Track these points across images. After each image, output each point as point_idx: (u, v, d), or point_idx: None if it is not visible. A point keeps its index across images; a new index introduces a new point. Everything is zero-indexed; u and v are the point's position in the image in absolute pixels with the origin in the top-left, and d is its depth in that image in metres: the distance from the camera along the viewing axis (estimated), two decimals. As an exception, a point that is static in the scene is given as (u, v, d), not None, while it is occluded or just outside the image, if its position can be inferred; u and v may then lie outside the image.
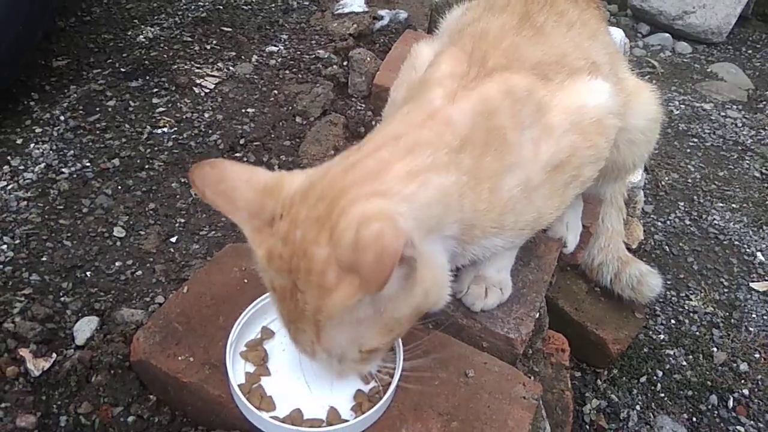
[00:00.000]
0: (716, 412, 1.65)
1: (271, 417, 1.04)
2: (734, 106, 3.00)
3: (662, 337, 1.82)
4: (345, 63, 2.09)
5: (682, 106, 2.98)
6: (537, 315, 1.34)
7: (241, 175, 0.86)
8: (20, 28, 1.60)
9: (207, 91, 1.90)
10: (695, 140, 2.71)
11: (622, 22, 3.83)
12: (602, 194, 1.58)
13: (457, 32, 1.12)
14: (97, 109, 1.77)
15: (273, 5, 2.36)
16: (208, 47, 2.09)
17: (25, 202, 1.48)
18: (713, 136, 2.75)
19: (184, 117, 1.79)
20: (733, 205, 2.34)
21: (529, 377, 1.34)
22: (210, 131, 1.76)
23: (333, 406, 1.08)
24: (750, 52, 3.65)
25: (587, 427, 1.59)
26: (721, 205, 2.34)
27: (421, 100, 0.97)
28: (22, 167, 1.57)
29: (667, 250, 2.11)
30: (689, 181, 2.46)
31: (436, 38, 1.27)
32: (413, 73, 1.12)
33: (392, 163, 0.87)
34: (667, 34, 3.70)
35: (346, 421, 1.05)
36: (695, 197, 2.37)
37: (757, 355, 1.79)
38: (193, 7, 2.27)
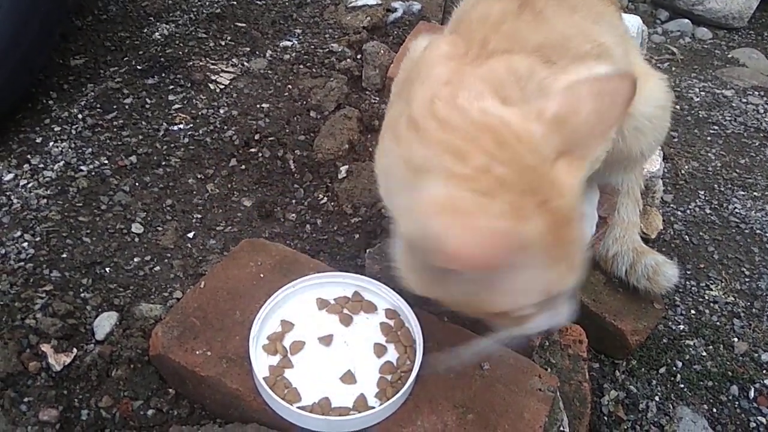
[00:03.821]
0: (737, 402, 1.63)
1: (298, 407, 1.05)
2: (756, 92, 2.94)
3: (682, 327, 1.80)
4: (359, 56, 2.09)
5: (703, 93, 2.92)
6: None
7: None
8: (37, 28, 1.62)
9: (222, 87, 1.91)
10: (716, 128, 2.67)
11: (640, 9, 3.77)
12: (617, 185, 1.56)
13: (455, 21, 1.11)
14: (114, 106, 1.79)
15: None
16: (223, 43, 2.10)
17: (45, 200, 1.51)
18: (734, 123, 2.70)
19: (199, 113, 1.81)
20: (755, 193, 2.30)
21: (546, 369, 1.34)
22: (225, 127, 1.77)
23: (362, 393, 1.10)
24: (772, 36, 3.58)
25: (605, 418, 1.58)
26: (742, 193, 2.30)
27: (427, 78, 0.96)
28: (41, 165, 1.60)
29: (687, 239, 2.08)
30: (709, 169, 2.42)
31: (436, 32, 1.27)
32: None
33: None
34: (687, 20, 3.63)
35: (373, 407, 1.07)
36: (716, 186, 2.34)
37: (779, 345, 1.77)
38: (207, 3, 2.28)
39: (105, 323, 1.26)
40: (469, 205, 0.79)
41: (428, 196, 0.82)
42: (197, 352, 1.15)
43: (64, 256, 1.39)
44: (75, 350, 1.21)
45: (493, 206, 0.79)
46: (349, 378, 1.12)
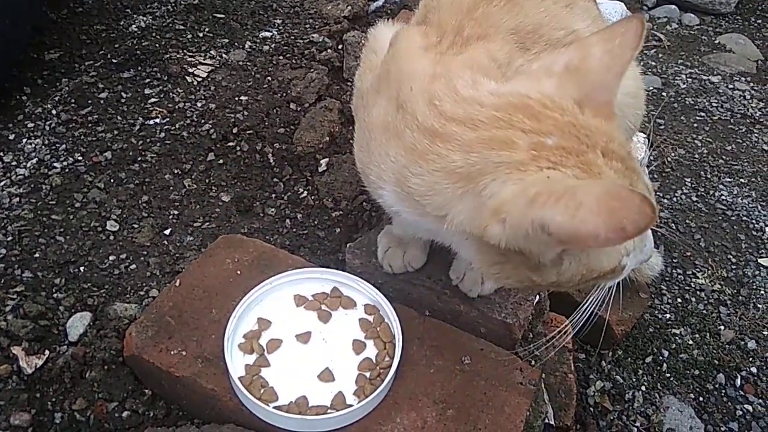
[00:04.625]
0: (723, 391, 1.62)
1: (274, 407, 1.03)
2: (743, 78, 2.93)
3: (668, 316, 1.78)
4: (340, 46, 2.06)
5: (689, 79, 2.90)
6: (536, 299, 1.32)
7: None
8: (6, 23, 1.58)
9: (199, 79, 1.88)
10: (702, 114, 2.65)
11: (627, -5, 3.74)
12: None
13: (423, 10, 1.07)
14: (89, 101, 1.76)
15: (267, -11, 2.33)
16: (201, 35, 2.06)
17: (18, 199, 1.48)
18: (721, 110, 2.68)
19: (176, 107, 1.77)
20: (741, 180, 2.29)
21: (530, 361, 1.33)
22: (203, 121, 1.74)
23: (340, 391, 1.08)
24: (759, 21, 3.56)
25: (591, 409, 1.57)
26: (728, 180, 2.29)
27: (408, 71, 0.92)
28: (14, 163, 1.57)
29: (674, 227, 2.07)
30: (696, 156, 2.40)
31: (398, 21, 1.23)
32: (374, 57, 1.07)
33: None
34: (674, 6, 3.60)
35: (351, 406, 1.05)
36: (702, 173, 2.32)
37: (765, 332, 1.75)
38: (185, -6, 2.24)
39: (78, 324, 1.24)
40: (564, 182, 0.76)
41: (509, 194, 0.77)
42: (172, 352, 1.12)
43: (37, 255, 1.36)
44: (47, 352, 1.19)
45: (579, 173, 0.77)
46: (327, 376, 1.10)
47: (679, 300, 1.84)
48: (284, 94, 1.87)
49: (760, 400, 1.60)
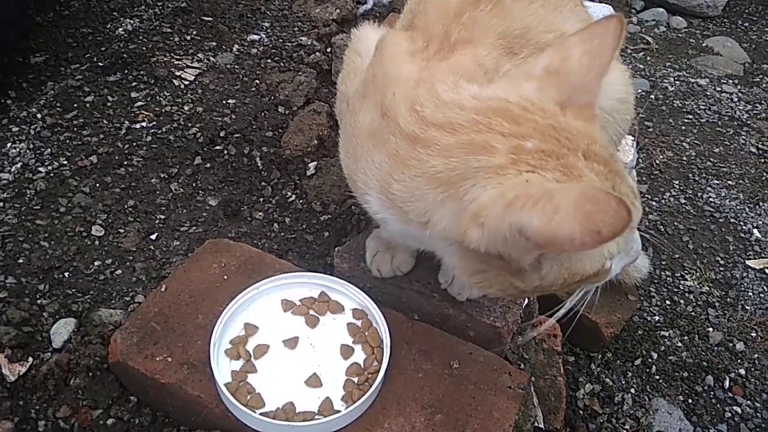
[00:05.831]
0: (712, 392, 1.63)
1: (261, 414, 1.02)
2: (730, 81, 2.95)
3: (657, 318, 1.79)
4: (328, 50, 2.05)
5: (677, 82, 2.92)
6: (525, 302, 1.31)
7: None
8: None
9: (187, 83, 1.87)
10: (690, 117, 2.67)
11: (615, -1, 3.76)
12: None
13: (409, 15, 1.07)
14: (75, 105, 1.74)
15: (255, -8, 2.32)
16: (188, 38, 2.05)
17: (1, 203, 1.46)
18: (708, 112, 2.70)
19: (163, 111, 1.76)
20: (729, 182, 2.30)
21: (519, 365, 1.32)
22: (190, 124, 1.73)
23: (328, 396, 1.07)
24: (746, 25, 3.59)
25: (581, 412, 1.57)
26: (716, 182, 2.30)
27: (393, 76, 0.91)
28: (-2, 168, 1.55)
29: (662, 229, 2.08)
30: (684, 158, 2.42)
31: (385, 25, 1.22)
32: (358, 60, 1.07)
33: None
34: (662, 9, 3.63)
35: (339, 411, 1.04)
36: (690, 175, 2.34)
37: (753, 334, 1.77)
38: (172, -3, 2.23)
39: (62, 330, 1.22)
40: (542, 186, 0.74)
41: (488, 198, 0.76)
42: (157, 359, 1.11)
43: (21, 261, 1.35)
44: (31, 359, 1.17)
45: (560, 176, 0.76)
46: (314, 381, 1.09)
47: (667, 302, 1.85)
48: (272, 98, 1.86)
49: (749, 402, 1.61)
